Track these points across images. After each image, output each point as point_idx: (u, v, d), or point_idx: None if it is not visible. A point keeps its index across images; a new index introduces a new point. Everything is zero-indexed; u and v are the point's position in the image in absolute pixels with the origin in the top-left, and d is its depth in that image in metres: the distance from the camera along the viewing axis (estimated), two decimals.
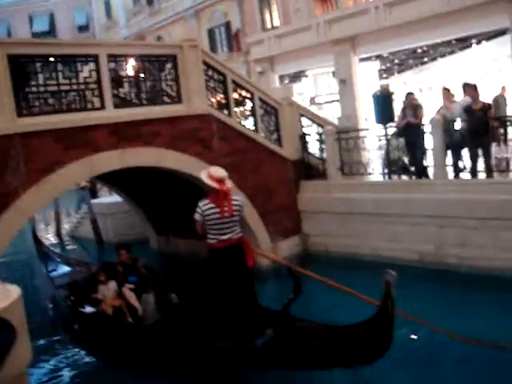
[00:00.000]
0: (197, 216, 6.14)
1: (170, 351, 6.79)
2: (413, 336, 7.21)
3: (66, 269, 11.17)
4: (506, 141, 9.65)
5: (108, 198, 17.16)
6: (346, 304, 7.16)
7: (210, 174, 6.15)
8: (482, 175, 9.43)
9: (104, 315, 7.73)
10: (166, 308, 7.74)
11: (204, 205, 6.09)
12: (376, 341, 5.06)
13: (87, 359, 8.09)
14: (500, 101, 11.00)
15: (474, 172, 9.53)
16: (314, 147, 12.22)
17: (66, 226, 19.61)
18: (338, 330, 5.72)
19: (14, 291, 2.83)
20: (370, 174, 11.05)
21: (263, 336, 6.26)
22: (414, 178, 10.38)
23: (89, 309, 8.38)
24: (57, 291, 9.65)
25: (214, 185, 6.04)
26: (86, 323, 8.32)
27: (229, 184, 6.25)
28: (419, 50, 18.29)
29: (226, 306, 6.20)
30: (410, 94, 10.75)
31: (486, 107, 9.52)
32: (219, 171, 6.20)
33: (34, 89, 7.92)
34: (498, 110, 10.46)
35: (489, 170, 9.35)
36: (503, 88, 11.92)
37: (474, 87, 9.66)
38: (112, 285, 8.12)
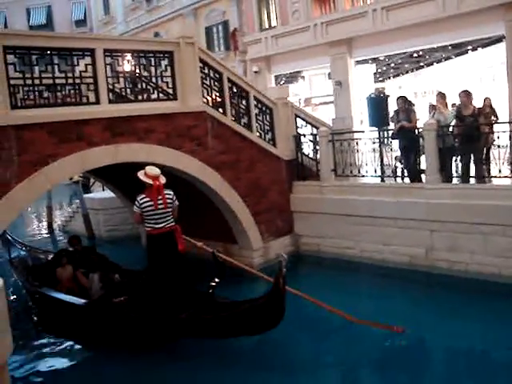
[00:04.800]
0: (135, 208, 7.27)
1: (107, 323, 7.70)
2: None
3: (27, 255, 11.50)
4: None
5: (101, 193, 17.09)
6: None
7: (145, 172, 7.19)
8: (473, 180, 9.49)
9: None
10: (109, 285, 8.65)
11: (141, 199, 7.19)
12: (270, 312, 6.32)
13: (48, 341, 8.36)
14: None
15: (465, 177, 9.59)
16: (308, 148, 12.26)
17: (58, 220, 19.54)
18: (243, 303, 6.89)
19: None
20: (363, 176, 11.08)
21: (188, 310, 7.14)
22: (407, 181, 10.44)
23: (47, 290, 8.86)
24: (18, 276, 10.29)
25: (149, 181, 7.11)
26: (45, 304, 8.92)
27: (162, 180, 7.25)
28: (415, 55, 18.40)
29: (159, 283, 7.29)
30: (400, 98, 10.79)
31: (477, 113, 9.58)
32: (154, 169, 7.27)
33: (28, 81, 7.90)
34: None
35: (480, 176, 9.41)
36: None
37: (467, 93, 9.72)
38: (69, 269, 9.27)
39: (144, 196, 7.17)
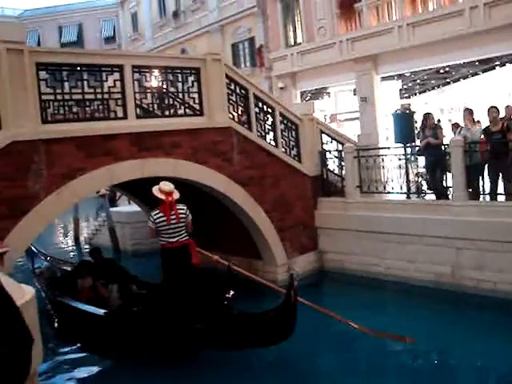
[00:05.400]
0: (149, 223, 7.46)
1: (125, 332, 7.87)
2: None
3: (49, 266, 11.78)
4: None
5: (127, 206, 17.28)
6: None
7: (159, 187, 7.38)
8: (502, 198, 9.34)
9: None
10: (127, 296, 8.92)
11: (155, 214, 7.39)
12: (282, 323, 6.40)
13: (68, 349, 8.55)
14: None
15: (493, 194, 9.44)
16: (333, 164, 12.23)
17: (84, 233, 19.79)
18: (256, 315, 6.96)
19: (29, 291, 2.86)
20: (388, 192, 11.00)
21: (203, 321, 7.25)
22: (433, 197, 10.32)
23: (67, 300, 9.08)
24: (40, 285, 10.48)
25: (162, 196, 7.30)
26: (65, 313, 9.10)
27: (175, 196, 7.41)
28: (441, 71, 18.26)
29: (174, 296, 7.40)
30: (427, 115, 10.72)
31: (505, 129, 9.45)
32: (168, 185, 7.44)
33: (59, 96, 8.08)
34: None
35: (509, 193, 9.25)
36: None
37: (496, 109, 9.61)
38: (89, 279, 9.53)
39: (158, 211, 7.36)
